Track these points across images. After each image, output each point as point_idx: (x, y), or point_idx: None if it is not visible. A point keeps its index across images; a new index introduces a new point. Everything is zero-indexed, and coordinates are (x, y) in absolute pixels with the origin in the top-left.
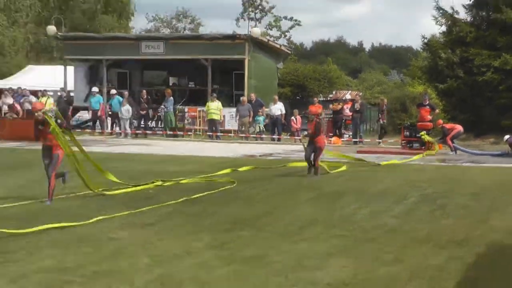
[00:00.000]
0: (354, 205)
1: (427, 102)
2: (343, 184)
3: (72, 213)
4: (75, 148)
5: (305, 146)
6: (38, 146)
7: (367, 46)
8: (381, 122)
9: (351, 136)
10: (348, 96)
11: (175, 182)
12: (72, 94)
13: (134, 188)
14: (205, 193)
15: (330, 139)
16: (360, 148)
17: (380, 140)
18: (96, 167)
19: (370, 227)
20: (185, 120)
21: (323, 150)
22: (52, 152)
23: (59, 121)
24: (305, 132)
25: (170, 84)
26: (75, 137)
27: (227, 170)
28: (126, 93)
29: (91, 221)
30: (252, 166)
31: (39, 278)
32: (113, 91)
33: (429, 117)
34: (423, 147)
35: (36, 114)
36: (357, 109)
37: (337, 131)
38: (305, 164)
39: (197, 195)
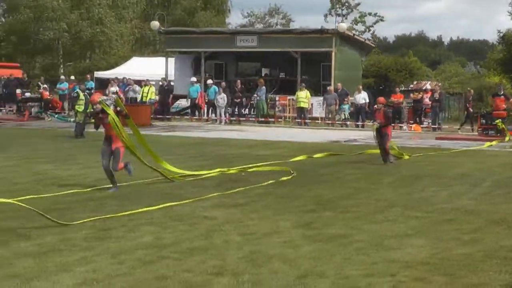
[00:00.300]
0: (432, 188)
1: (502, 92)
2: (421, 169)
3: (170, 194)
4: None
5: (375, 137)
6: (141, 130)
7: (446, 40)
8: (470, 110)
9: (430, 124)
10: (428, 86)
11: (240, 170)
12: (172, 83)
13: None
14: (289, 177)
15: (410, 126)
16: (439, 134)
17: (460, 128)
18: (153, 156)
19: (447, 209)
20: (276, 108)
21: (390, 137)
22: (112, 143)
23: (118, 108)
24: (376, 122)
25: (263, 74)
26: (134, 125)
27: (303, 157)
28: (223, 83)
29: (187, 201)
30: (327, 152)
31: (138, 253)
32: (210, 81)
33: (504, 106)
34: (498, 134)
35: (94, 107)
36: (436, 98)
37: (417, 119)
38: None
39: (284, 178)
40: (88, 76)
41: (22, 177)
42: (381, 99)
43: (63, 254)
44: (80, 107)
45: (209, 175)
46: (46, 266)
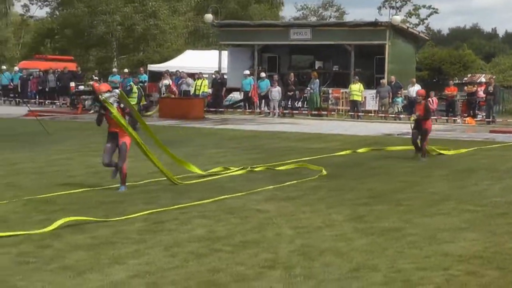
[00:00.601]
0: (486, 181)
1: None
2: (475, 162)
3: (222, 187)
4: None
5: (412, 128)
6: (194, 123)
7: (500, 32)
8: None
9: (484, 117)
10: (482, 79)
11: (266, 167)
12: (225, 76)
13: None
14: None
15: (464, 119)
16: (493, 128)
17: None
18: (170, 156)
19: (500, 203)
20: (329, 101)
21: (429, 132)
22: (118, 139)
23: (122, 105)
24: (414, 115)
25: (316, 67)
26: (145, 122)
27: (347, 152)
28: (275, 76)
29: (239, 194)
30: (370, 147)
31: (190, 246)
32: (263, 74)
33: None
34: None
35: (100, 96)
36: (491, 91)
37: (471, 112)
38: (403, 147)
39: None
40: (142, 69)
41: (76, 169)
42: (421, 91)
43: (116, 247)
44: (133, 100)
45: (233, 173)
46: (99, 258)
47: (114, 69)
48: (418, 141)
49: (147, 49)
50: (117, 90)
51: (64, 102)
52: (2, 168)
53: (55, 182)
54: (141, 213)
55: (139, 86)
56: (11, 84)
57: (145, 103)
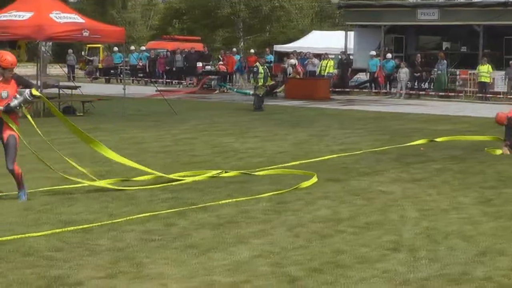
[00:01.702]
0: None
1: None
2: None
3: (346, 168)
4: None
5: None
6: (320, 104)
7: None
8: None
9: None
10: None
11: (240, 173)
12: (351, 57)
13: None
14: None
15: None
16: None
17: None
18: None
19: None
20: (457, 82)
21: None
22: (2, 127)
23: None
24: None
25: (443, 48)
26: (61, 114)
27: (423, 140)
28: (398, 59)
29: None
30: (451, 136)
31: (314, 227)
32: (389, 55)
33: None
34: None
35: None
36: None
37: None
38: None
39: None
40: (268, 49)
41: (201, 149)
42: (500, 119)
43: (240, 226)
44: (260, 81)
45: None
46: (223, 237)
47: (234, 49)
48: None
49: (272, 30)
50: (27, 92)
51: (191, 82)
52: (130, 146)
53: (180, 161)
54: (266, 194)
55: (265, 67)
56: (140, 64)
57: (272, 83)
